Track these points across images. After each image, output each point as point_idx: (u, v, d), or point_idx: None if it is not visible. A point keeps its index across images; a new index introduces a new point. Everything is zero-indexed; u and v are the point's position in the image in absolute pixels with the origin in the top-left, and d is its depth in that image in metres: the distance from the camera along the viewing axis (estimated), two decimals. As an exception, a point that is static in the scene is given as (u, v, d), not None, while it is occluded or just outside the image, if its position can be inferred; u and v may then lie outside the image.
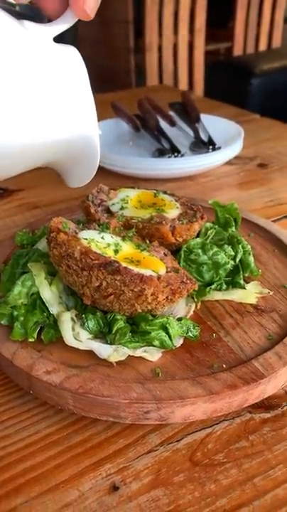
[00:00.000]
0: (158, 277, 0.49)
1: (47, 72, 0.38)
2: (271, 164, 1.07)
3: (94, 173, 0.47)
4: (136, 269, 0.49)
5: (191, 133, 1.13)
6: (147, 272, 0.49)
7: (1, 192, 0.96)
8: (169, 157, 1.01)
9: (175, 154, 1.01)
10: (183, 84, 2.64)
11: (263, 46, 2.95)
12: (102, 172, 0.99)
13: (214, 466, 0.43)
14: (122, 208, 0.63)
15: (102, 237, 0.54)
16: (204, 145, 1.06)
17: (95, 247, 0.50)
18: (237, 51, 2.87)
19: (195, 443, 0.45)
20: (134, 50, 2.69)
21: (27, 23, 0.39)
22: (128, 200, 0.65)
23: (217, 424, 0.47)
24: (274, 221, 0.82)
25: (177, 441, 0.46)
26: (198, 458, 0.44)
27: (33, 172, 1.09)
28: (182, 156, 1.02)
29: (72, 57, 0.41)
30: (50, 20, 0.42)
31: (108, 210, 0.63)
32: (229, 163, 1.03)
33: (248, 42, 2.91)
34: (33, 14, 0.42)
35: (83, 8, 0.40)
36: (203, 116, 1.17)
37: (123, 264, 0.48)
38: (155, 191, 0.67)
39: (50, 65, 0.39)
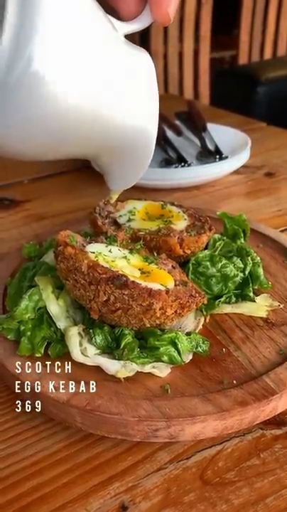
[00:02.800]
0: (167, 291, 0.49)
1: (125, 61, 0.40)
2: (278, 173, 1.06)
3: (140, 177, 0.47)
4: (144, 283, 0.48)
5: (198, 142, 1.13)
6: (155, 286, 0.49)
7: (7, 203, 0.96)
8: (176, 167, 1.01)
9: (182, 164, 1.01)
10: (189, 93, 2.64)
11: (268, 54, 2.96)
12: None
13: (225, 485, 0.42)
14: (129, 220, 0.63)
15: (110, 251, 0.53)
16: (211, 154, 1.06)
17: (103, 261, 0.50)
18: (242, 59, 2.87)
19: (205, 461, 0.44)
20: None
21: (109, 17, 0.40)
22: (135, 212, 0.64)
23: (228, 441, 0.46)
24: (283, 231, 0.81)
25: (186, 458, 0.45)
26: (209, 476, 0.43)
27: (39, 183, 1.10)
28: (189, 165, 1.01)
29: (144, 57, 0.42)
30: None
31: (115, 222, 0.63)
32: (236, 172, 1.03)
33: (253, 50, 2.92)
34: None
35: (166, 11, 0.40)
36: (210, 126, 1.16)
37: (131, 278, 0.48)
38: (162, 203, 0.67)
39: (128, 58, 0.41)
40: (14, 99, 0.33)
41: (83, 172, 1.08)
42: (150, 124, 0.43)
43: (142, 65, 0.42)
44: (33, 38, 0.32)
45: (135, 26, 0.42)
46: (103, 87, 0.38)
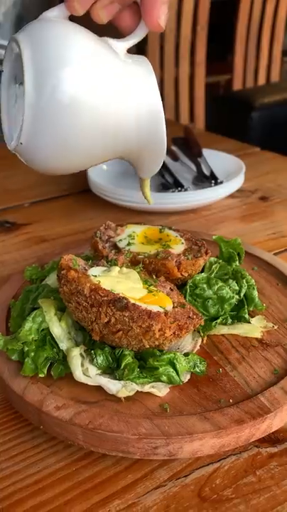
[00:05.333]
0: (165, 313, 0.51)
1: (129, 73, 0.46)
2: (272, 197, 1.09)
3: (159, 166, 0.55)
4: (143, 306, 0.50)
5: (194, 167, 1.16)
6: (154, 308, 0.51)
7: (9, 226, 0.99)
8: (173, 191, 1.03)
9: (179, 189, 1.04)
10: (185, 118, 2.70)
11: (262, 79, 3.03)
12: (109, 205, 1.02)
13: (223, 502, 0.44)
14: (129, 244, 0.65)
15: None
16: (206, 179, 1.09)
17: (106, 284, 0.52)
18: (237, 84, 2.94)
19: (203, 478, 0.46)
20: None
21: (108, 39, 0.46)
22: (134, 236, 0.67)
23: (225, 458, 0.48)
24: (277, 253, 0.84)
25: (185, 476, 0.46)
26: (206, 493, 0.44)
27: (40, 206, 1.12)
28: (186, 190, 1.04)
29: (145, 62, 0.48)
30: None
31: (115, 246, 0.65)
32: (231, 196, 1.06)
33: (247, 75, 2.99)
34: None
35: (157, 21, 0.45)
36: (205, 151, 1.20)
37: (132, 301, 0.50)
38: (160, 227, 0.69)
39: (129, 70, 0.47)
40: (52, 127, 0.41)
41: (83, 196, 1.10)
42: (161, 125, 0.49)
43: (143, 74, 0.47)
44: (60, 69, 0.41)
45: (133, 40, 0.47)
46: (120, 102, 0.45)
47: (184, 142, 1.26)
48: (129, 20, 0.47)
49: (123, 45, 0.47)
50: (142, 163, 0.54)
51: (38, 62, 0.40)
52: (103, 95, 0.43)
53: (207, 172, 1.12)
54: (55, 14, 0.44)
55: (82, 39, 0.43)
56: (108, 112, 0.44)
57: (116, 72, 0.45)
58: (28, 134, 0.42)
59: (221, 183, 1.06)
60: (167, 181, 1.08)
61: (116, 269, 0.55)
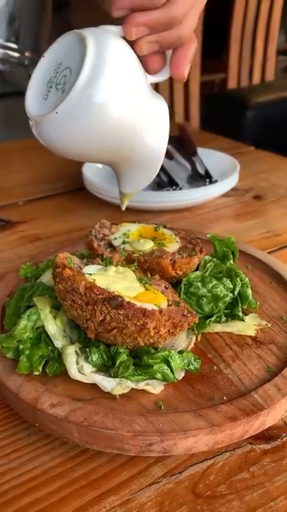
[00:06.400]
0: (160, 311, 0.51)
1: (149, 99, 0.53)
2: (266, 196, 1.10)
3: (147, 184, 0.59)
4: (138, 304, 0.50)
5: (188, 166, 1.16)
6: (149, 306, 0.51)
7: (3, 224, 0.98)
8: (168, 190, 1.04)
9: (174, 187, 1.04)
10: (179, 117, 2.70)
11: (256, 78, 3.04)
12: (104, 204, 1.02)
13: (217, 498, 0.44)
14: (124, 242, 0.65)
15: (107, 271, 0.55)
16: (201, 178, 1.09)
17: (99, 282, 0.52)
18: (232, 83, 2.95)
19: (197, 474, 0.46)
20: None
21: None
22: (129, 235, 0.67)
23: (219, 455, 0.48)
24: (271, 252, 0.84)
25: (179, 472, 0.47)
26: (200, 490, 0.45)
27: (34, 204, 1.12)
28: (181, 189, 1.05)
29: (160, 99, 0.55)
30: None
31: (110, 245, 0.65)
32: (225, 194, 1.06)
33: (242, 74, 3.00)
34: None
35: (182, 74, 0.53)
36: (200, 150, 1.20)
37: (127, 299, 0.50)
38: (155, 225, 0.70)
39: (151, 98, 0.53)
40: (82, 115, 0.47)
41: (77, 194, 1.11)
42: (162, 144, 0.55)
43: (161, 103, 0.55)
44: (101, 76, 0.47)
45: (155, 79, 0.53)
46: (139, 115, 0.51)
47: (179, 141, 1.26)
48: (157, 63, 0.53)
49: (150, 77, 0.54)
50: (130, 175, 0.59)
51: (98, 62, 0.46)
52: (129, 109, 0.50)
53: (201, 171, 1.12)
54: (114, 30, 0.50)
55: (135, 59, 0.50)
56: (126, 123, 0.50)
57: (145, 95, 0.51)
58: (64, 110, 0.47)
59: (215, 181, 1.07)
60: (162, 180, 1.08)
61: (113, 268, 0.56)
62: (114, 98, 0.47)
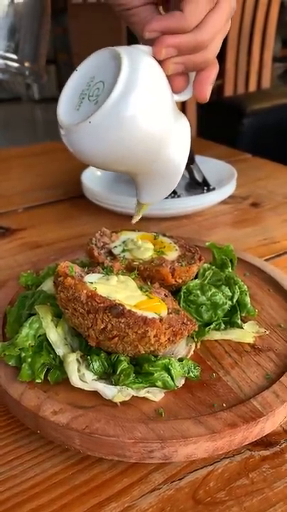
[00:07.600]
0: (160, 319, 0.52)
1: (175, 116, 0.55)
2: (263, 203, 1.11)
3: (165, 196, 0.61)
4: (139, 312, 0.51)
5: (186, 174, 1.17)
6: (150, 315, 0.52)
7: (3, 231, 0.99)
8: (166, 198, 1.04)
9: (172, 195, 1.05)
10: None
11: (253, 85, 3.06)
12: (103, 211, 1.03)
13: (216, 504, 0.45)
14: (124, 251, 0.66)
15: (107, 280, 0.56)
16: (199, 186, 1.10)
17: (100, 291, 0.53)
18: (228, 90, 2.97)
19: (197, 481, 0.47)
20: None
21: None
22: (128, 243, 0.67)
23: (218, 461, 0.49)
24: (268, 259, 0.85)
25: (179, 479, 0.47)
26: (200, 496, 0.45)
27: (34, 212, 1.13)
28: (179, 196, 1.06)
29: (184, 117, 0.57)
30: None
31: (110, 253, 0.66)
32: (223, 202, 1.07)
33: (238, 81, 3.02)
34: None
35: (205, 96, 0.55)
36: (197, 158, 1.21)
37: (127, 307, 0.51)
38: (155, 234, 0.70)
39: (176, 115, 0.55)
40: (114, 126, 0.49)
41: (77, 201, 1.11)
42: (183, 159, 0.57)
43: (185, 121, 0.57)
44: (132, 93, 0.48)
45: (178, 98, 0.55)
46: (165, 130, 0.53)
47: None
48: (181, 83, 0.54)
49: (174, 96, 0.56)
50: (149, 187, 0.61)
51: (131, 76, 0.48)
52: (157, 123, 0.51)
53: (199, 178, 1.13)
54: (145, 49, 0.52)
55: (164, 77, 0.52)
56: (153, 136, 0.52)
57: (172, 112, 0.53)
58: (97, 120, 0.48)
59: (213, 189, 1.08)
60: (160, 187, 1.09)
61: (115, 278, 0.56)
62: (144, 111, 0.49)
